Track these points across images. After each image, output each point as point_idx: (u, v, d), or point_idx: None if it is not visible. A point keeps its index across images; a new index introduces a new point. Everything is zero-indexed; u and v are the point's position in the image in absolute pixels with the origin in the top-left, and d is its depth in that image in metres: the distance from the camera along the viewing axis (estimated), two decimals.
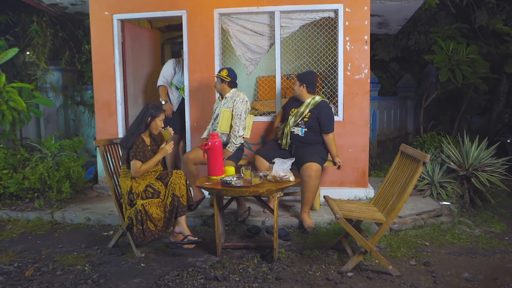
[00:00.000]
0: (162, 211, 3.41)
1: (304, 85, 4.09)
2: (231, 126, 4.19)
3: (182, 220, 3.49)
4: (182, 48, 4.95)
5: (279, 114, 4.51)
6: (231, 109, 4.18)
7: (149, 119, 3.51)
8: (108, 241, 3.77)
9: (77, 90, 6.71)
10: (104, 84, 5.14)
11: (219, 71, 4.25)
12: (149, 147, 3.57)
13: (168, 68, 5.13)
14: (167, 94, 5.18)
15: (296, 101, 4.20)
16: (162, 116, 3.57)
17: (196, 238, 3.46)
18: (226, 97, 4.26)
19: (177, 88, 5.15)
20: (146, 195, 3.40)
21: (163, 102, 5.09)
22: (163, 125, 3.59)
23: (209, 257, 3.42)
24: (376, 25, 6.62)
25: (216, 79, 4.27)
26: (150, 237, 3.35)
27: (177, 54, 5.55)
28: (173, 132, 3.69)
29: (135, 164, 3.41)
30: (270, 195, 3.35)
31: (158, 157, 3.52)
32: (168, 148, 3.56)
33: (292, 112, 4.17)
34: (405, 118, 9.30)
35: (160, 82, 5.13)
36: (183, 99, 5.12)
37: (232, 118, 4.18)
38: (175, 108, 5.21)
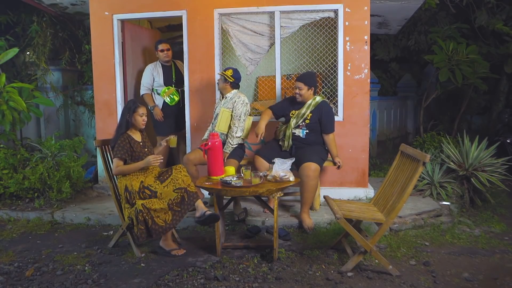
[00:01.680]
0: (165, 203, 3.36)
1: (313, 88, 4.07)
2: (229, 127, 4.19)
3: (199, 203, 3.45)
4: (183, 48, 4.95)
5: (266, 114, 4.20)
6: (231, 109, 4.18)
7: (127, 115, 3.55)
8: (108, 241, 3.77)
9: (77, 90, 6.71)
10: (104, 84, 5.15)
11: (225, 70, 4.25)
12: (141, 143, 3.59)
13: (147, 75, 5.03)
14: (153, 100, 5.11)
15: (296, 104, 4.16)
16: (140, 111, 3.56)
17: (212, 212, 3.38)
18: (226, 97, 4.26)
19: (158, 94, 5.04)
20: (143, 196, 3.40)
21: (152, 109, 5.01)
22: (145, 119, 3.60)
23: (209, 257, 3.42)
24: (376, 25, 6.62)
25: (219, 77, 4.26)
26: (160, 234, 3.34)
27: (178, 55, 5.53)
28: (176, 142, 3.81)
29: (116, 162, 3.46)
30: (270, 195, 3.35)
31: (140, 164, 3.49)
32: (152, 160, 3.46)
33: (293, 114, 4.16)
34: (405, 118, 9.31)
35: (142, 91, 5.06)
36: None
37: (231, 119, 4.18)
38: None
